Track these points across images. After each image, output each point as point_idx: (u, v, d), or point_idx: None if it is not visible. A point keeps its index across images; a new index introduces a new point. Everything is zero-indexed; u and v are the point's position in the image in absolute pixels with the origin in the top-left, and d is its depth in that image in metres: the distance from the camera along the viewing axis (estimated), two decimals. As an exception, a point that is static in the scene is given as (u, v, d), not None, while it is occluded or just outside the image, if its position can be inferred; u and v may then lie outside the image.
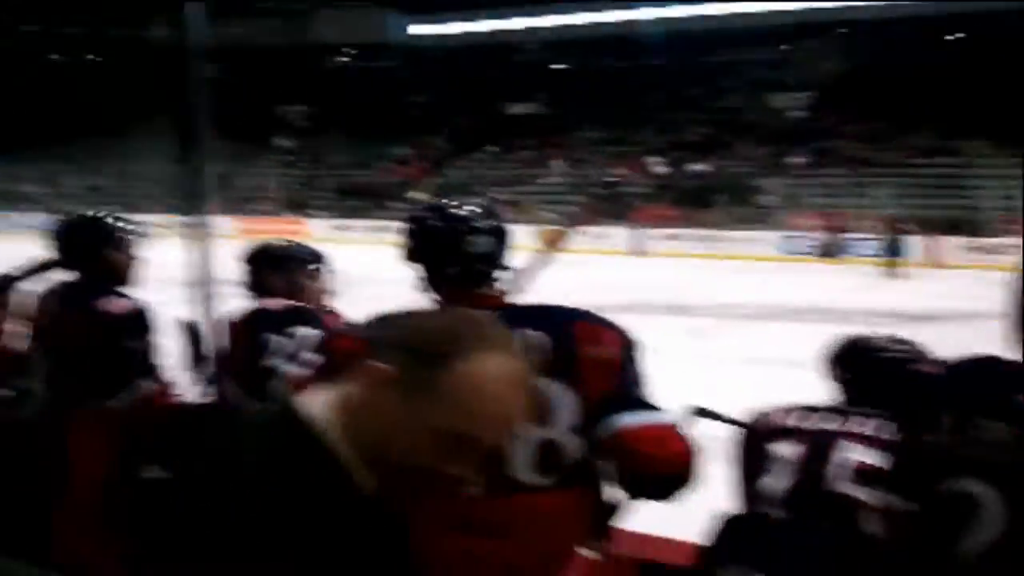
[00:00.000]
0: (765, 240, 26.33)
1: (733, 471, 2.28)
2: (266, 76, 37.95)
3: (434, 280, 2.06)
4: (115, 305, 2.85)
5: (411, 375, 1.13)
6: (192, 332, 3.37)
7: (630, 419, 1.91)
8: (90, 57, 41.75)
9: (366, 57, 38.39)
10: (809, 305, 14.25)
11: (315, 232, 27.59)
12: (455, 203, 2.16)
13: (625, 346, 1.98)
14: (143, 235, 3.10)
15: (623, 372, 1.96)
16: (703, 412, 2.69)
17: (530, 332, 1.92)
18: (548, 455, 1.92)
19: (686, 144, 32.88)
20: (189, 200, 0.99)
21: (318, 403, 1.17)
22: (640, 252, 26.44)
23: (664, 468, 1.92)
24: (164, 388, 2.90)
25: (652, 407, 1.96)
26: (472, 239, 2.04)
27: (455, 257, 2.03)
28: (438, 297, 2.05)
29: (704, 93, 34.57)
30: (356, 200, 31.99)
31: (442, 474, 1.14)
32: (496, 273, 2.08)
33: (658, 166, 32.25)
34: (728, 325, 12.60)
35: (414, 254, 2.08)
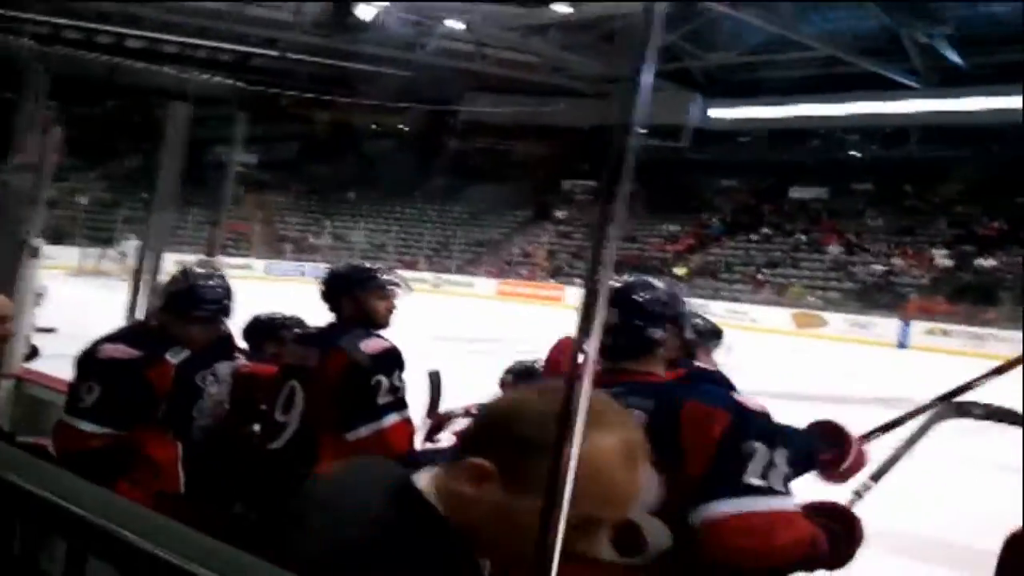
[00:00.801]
0: (1052, 345, 23.97)
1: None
2: (562, 152, 39.83)
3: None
4: (369, 344, 3.09)
5: (514, 468, 1.11)
6: (434, 381, 3.57)
7: (721, 506, 1.83)
8: (401, 127, 45.31)
9: (657, 137, 39.52)
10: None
11: (570, 299, 28.26)
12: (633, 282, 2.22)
13: (734, 428, 1.87)
14: (401, 285, 3.37)
15: (724, 455, 1.85)
16: (964, 408, 2.51)
17: (635, 410, 1.88)
18: (628, 536, 1.80)
19: (976, 237, 30.93)
20: (593, 267, 1.04)
21: (427, 483, 1.17)
22: (904, 345, 25.07)
23: (752, 561, 1.83)
24: (404, 425, 3.09)
25: (761, 492, 1.84)
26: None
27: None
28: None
29: (1002, 186, 32.41)
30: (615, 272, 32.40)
31: (570, 553, 1.11)
32: (635, 347, 2.08)
33: (940, 259, 30.44)
34: (987, 429, 11.56)
35: None
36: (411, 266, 34.32)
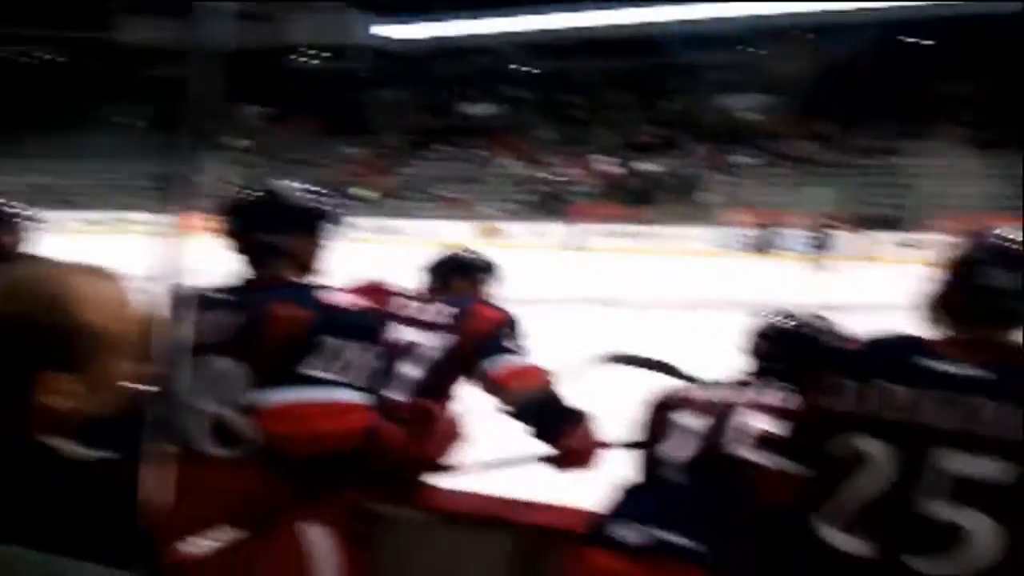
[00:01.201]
0: (701, 237, 26.84)
1: (637, 441, 2.27)
2: (232, 77, 37.54)
3: None
4: None
5: (90, 369, 1.15)
6: None
7: (267, 396, 1.92)
8: (49, 57, 41.08)
9: (335, 58, 38.45)
10: (732, 297, 14.27)
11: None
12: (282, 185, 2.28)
13: (306, 323, 1.96)
14: (33, 220, 3.32)
15: (289, 349, 1.94)
16: (620, 359, 2.77)
17: (229, 313, 2.01)
18: (223, 429, 1.98)
19: (636, 144, 33.21)
20: (176, 198, 1.06)
21: None
22: (576, 248, 26.67)
23: (292, 448, 1.92)
24: None
25: (315, 382, 1.92)
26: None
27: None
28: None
29: (659, 94, 34.90)
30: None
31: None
32: (261, 255, 2.16)
33: (606, 166, 32.44)
34: (654, 316, 12.64)
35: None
36: (80, 206, 31.85)
